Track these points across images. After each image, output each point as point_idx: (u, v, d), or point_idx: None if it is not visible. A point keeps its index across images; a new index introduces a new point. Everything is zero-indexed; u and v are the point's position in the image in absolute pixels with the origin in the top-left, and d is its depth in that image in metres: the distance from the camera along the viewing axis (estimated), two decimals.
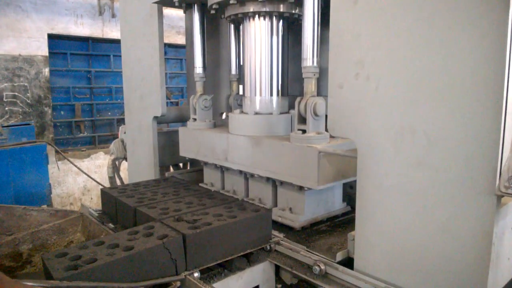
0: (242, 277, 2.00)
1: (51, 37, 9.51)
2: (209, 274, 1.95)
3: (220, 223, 1.96)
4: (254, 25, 2.59)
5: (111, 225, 2.45)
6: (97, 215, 2.63)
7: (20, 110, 9.16)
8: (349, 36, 1.77)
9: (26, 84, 9.16)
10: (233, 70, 3.23)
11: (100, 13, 10.09)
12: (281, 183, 2.40)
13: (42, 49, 9.28)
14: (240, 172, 2.69)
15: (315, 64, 2.19)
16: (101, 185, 3.94)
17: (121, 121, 10.39)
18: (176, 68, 12.38)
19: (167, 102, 3.33)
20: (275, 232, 2.25)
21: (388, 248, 1.71)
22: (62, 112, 10.28)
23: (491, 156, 1.38)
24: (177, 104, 11.80)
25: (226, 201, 2.35)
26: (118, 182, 4.05)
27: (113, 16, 10.25)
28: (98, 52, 10.69)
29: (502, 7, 1.31)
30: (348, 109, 1.81)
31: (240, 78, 3.22)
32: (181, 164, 3.85)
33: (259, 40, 2.59)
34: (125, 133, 3.85)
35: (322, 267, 1.85)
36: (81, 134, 10.58)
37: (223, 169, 2.88)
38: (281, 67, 2.66)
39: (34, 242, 2.48)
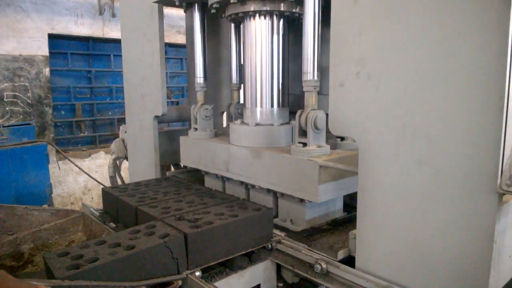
0: (243, 276, 2.00)
1: (52, 37, 9.51)
2: (210, 273, 1.95)
3: (222, 222, 1.96)
4: (254, 24, 2.59)
5: (112, 225, 2.45)
6: (98, 214, 2.64)
7: (21, 110, 9.16)
8: (350, 35, 1.77)
9: (26, 84, 9.17)
10: (234, 79, 3.22)
11: (101, 13, 10.09)
12: (282, 194, 2.41)
13: (42, 49, 9.28)
14: (241, 182, 2.69)
15: (315, 78, 2.21)
16: (102, 184, 3.94)
17: (122, 121, 10.40)
18: (177, 68, 12.38)
19: (167, 102, 3.33)
20: (276, 231, 2.25)
21: (389, 246, 1.72)
22: (62, 112, 10.28)
23: (493, 155, 1.38)
24: (177, 103, 11.80)
25: (227, 200, 2.35)
26: (119, 182, 4.05)
27: (113, 15, 10.24)
28: (99, 52, 10.69)
29: (503, 6, 1.31)
30: (349, 108, 1.81)
31: (241, 82, 3.21)
32: (182, 164, 3.85)
33: (260, 40, 2.59)
34: (125, 132, 3.86)
35: (324, 265, 1.85)
36: (82, 134, 10.59)
37: (224, 179, 2.88)
38: (282, 77, 2.67)
39: (35, 242, 2.48)
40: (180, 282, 1.75)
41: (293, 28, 3.00)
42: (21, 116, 9.15)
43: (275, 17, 2.57)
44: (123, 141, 3.94)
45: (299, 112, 2.24)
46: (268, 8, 2.51)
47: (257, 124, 2.63)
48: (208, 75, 3.26)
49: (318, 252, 1.98)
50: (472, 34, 1.39)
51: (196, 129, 3.06)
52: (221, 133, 3.21)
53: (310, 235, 2.23)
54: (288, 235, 2.21)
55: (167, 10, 9.76)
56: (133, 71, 3.52)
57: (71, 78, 10.34)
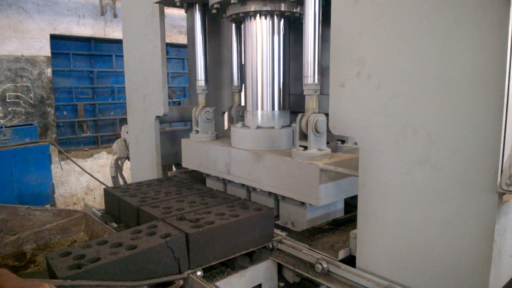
0: (244, 276, 2.00)
1: (54, 38, 9.53)
2: (211, 273, 1.96)
3: (223, 222, 1.97)
4: (255, 24, 2.59)
5: (114, 225, 2.46)
6: (100, 214, 2.65)
7: (23, 110, 9.19)
8: (350, 35, 1.77)
9: (29, 84, 9.19)
10: (235, 82, 3.23)
11: (102, 13, 10.11)
12: (283, 197, 2.42)
13: (44, 49, 9.30)
14: (242, 185, 2.70)
15: (316, 81, 2.21)
16: (104, 184, 3.95)
17: (124, 121, 10.42)
18: (178, 68, 12.39)
19: (169, 102, 3.34)
20: (277, 231, 2.25)
21: (390, 245, 1.72)
22: (64, 112, 10.31)
23: (493, 154, 1.38)
24: (179, 103, 11.81)
25: (229, 200, 2.36)
26: (121, 182, 4.07)
27: (115, 16, 10.26)
28: (100, 52, 10.71)
29: (503, 6, 1.31)
30: (349, 107, 1.81)
31: (242, 83, 3.21)
32: (183, 166, 3.86)
33: (261, 40, 2.59)
34: (127, 132, 3.87)
35: (325, 265, 1.86)
36: (84, 134, 10.61)
37: (225, 181, 2.89)
38: (283, 79, 2.67)
39: (37, 242, 2.50)
40: (181, 282, 1.76)
41: (293, 27, 3.00)
42: (24, 117, 9.17)
43: (275, 17, 2.57)
44: (125, 141, 3.95)
45: (299, 115, 2.24)
46: (269, 8, 2.51)
47: (258, 127, 2.64)
48: (209, 76, 3.27)
49: (319, 251, 1.99)
50: (472, 33, 1.40)
51: (197, 131, 3.07)
52: (222, 136, 3.22)
53: (311, 235, 2.23)
54: (289, 235, 2.22)
55: (168, 10, 9.78)
56: (135, 72, 3.53)
57: (73, 79, 10.36)
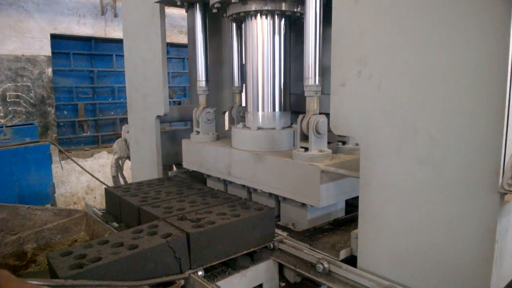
0: (245, 276, 2.00)
1: (54, 37, 9.53)
2: (213, 273, 1.96)
3: (224, 222, 1.97)
4: (256, 24, 2.59)
5: (115, 224, 2.46)
6: (101, 214, 2.65)
7: (24, 110, 9.19)
8: (351, 34, 1.77)
9: (29, 84, 9.19)
10: (236, 82, 3.23)
11: (103, 13, 10.10)
12: (284, 198, 2.42)
13: (45, 49, 9.30)
14: (243, 186, 2.70)
15: (317, 82, 2.21)
16: (105, 184, 3.96)
17: (124, 121, 10.42)
18: (178, 68, 12.39)
19: (169, 102, 3.33)
20: (278, 231, 2.25)
21: (391, 245, 1.72)
22: (65, 112, 10.31)
23: (494, 154, 1.38)
24: (179, 103, 11.81)
25: (230, 200, 2.35)
26: (122, 181, 4.06)
27: (116, 15, 10.26)
28: (101, 52, 10.71)
29: (505, 5, 1.31)
30: (350, 107, 1.81)
31: (243, 83, 3.21)
32: (184, 166, 3.86)
33: (261, 40, 2.59)
34: (128, 132, 3.87)
35: (326, 265, 1.86)
36: (84, 134, 10.61)
37: (226, 182, 2.89)
38: (283, 79, 2.67)
39: (38, 241, 2.50)
40: (182, 282, 1.76)
41: (294, 27, 3.00)
42: (24, 116, 9.17)
43: (276, 16, 2.57)
44: (125, 141, 3.95)
45: (300, 116, 2.24)
46: (270, 8, 2.51)
47: (259, 128, 2.64)
48: (210, 75, 3.27)
49: (320, 251, 1.99)
50: (474, 33, 1.39)
51: (198, 132, 3.06)
52: (223, 136, 3.21)
53: (312, 234, 2.23)
54: (290, 235, 2.22)
55: (169, 10, 9.77)
56: (135, 71, 3.53)
57: (73, 78, 10.36)
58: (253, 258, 2.08)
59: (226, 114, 3.71)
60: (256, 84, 2.66)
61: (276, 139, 2.58)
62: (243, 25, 2.81)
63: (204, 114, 3.03)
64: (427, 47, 1.52)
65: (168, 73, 11.16)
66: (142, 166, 3.57)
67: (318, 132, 2.20)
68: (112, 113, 11.12)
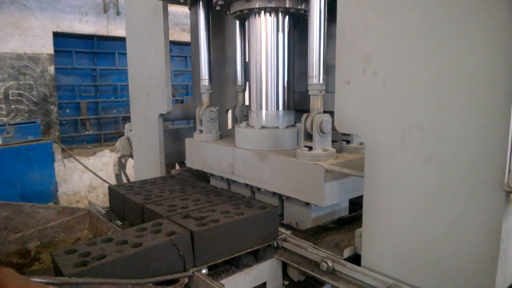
0: (249, 274, 2.00)
1: (56, 35, 9.55)
2: (216, 271, 1.96)
3: (228, 220, 1.96)
4: (260, 21, 2.58)
5: (118, 222, 2.46)
6: (104, 212, 2.65)
7: (26, 108, 9.22)
8: (356, 32, 1.76)
9: (31, 82, 9.21)
10: (239, 81, 3.22)
11: (105, 11, 10.11)
12: (288, 198, 2.41)
13: (47, 47, 9.32)
14: (246, 185, 2.70)
15: (321, 81, 2.20)
16: (107, 182, 3.95)
17: (127, 119, 10.44)
18: (181, 66, 12.40)
19: (172, 100, 3.33)
20: (282, 229, 2.25)
21: (395, 244, 1.71)
22: (67, 110, 10.34)
23: (500, 152, 1.37)
24: (182, 101, 11.83)
25: (233, 198, 2.35)
26: (124, 180, 4.07)
27: (118, 13, 10.27)
28: (103, 50, 10.73)
29: (509, 3, 1.30)
30: (355, 105, 1.80)
31: (246, 81, 3.21)
32: (187, 165, 3.86)
33: (265, 37, 2.58)
34: (131, 130, 3.87)
35: (330, 263, 1.85)
36: (87, 132, 10.64)
37: (229, 181, 2.89)
38: (287, 78, 2.66)
39: (42, 240, 2.50)
40: (186, 280, 1.76)
41: (298, 25, 2.99)
42: (27, 114, 9.20)
43: (280, 14, 2.56)
44: (128, 139, 3.95)
45: (304, 115, 2.23)
46: (273, 5, 2.50)
47: (262, 127, 2.63)
48: (213, 74, 3.26)
49: (324, 250, 1.98)
50: (480, 30, 1.39)
51: (201, 131, 3.06)
52: (226, 135, 3.21)
53: (316, 233, 2.23)
54: (294, 234, 2.21)
55: (172, 8, 9.77)
56: (138, 69, 3.53)
57: (76, 76, 10.38)
58: (256, 256, 2.08)
59: (229, 113, 3.71)
60: (260, 82, 2.65)
61: (279, 138, 2.57)
62: (246, 22, 2.80)
63: (207, 113, 3.02)
64: (432, 45, 1.51)
65: (171, 71, 11.16)
66: (145, 165, 3.57)
67: (322, 131, 2.19)
68: (114, 111, 11.14)
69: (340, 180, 2.17)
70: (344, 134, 2.54)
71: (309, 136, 2.24)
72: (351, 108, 1.82)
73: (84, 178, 9.48)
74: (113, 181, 4.16)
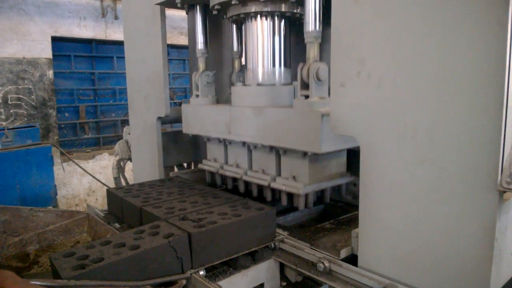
0: (247, 275, 2.01)
1: (55, 40, 9.56)
2: (214, 272, 1.97)
3: (225, 222, 1.98)
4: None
5: (117, 225, 2.47)
6: (103, 215, 2.66)
7: (25, 112, 9.22)
8: (351, 35, 1.78)
9: (30, 86, 9.23)
10: (235, 47, 3.20)
11: (103, 15, 10.14)
12: (285, 151, 2.39)
13: (46, 51, 9.34)
14: (243, 144, 2.68)
15: (317, 28, 2.16)
16: (106, 186, 3.97)
17: (125, 122, 10.45)
18: (179, 69, 12.42)
19: (170, 103, 3.34)
20: (279, 230, 2.26)
21: (391, 244, 1.73)
22: (66, 114, 10.34)
23: (493, 152, 1.39)
24: (180, 104, 11.82)
25: (231, 200, 2.36)
26: (123, 183, 4.08)
27: (116, 18, 10.30)
28: (102, 54, 10.75)
29: (503, 6, 1.32)
30: (350, 107, 1.82)
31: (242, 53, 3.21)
32: (185, 164, 3.87)
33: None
34: (129, 134, 3.88)
35: (326, 264, 1.87)
36: (86, 136, 10.64)
37: (226, 143, 2.87)
38: (284, 40, 2.63)
39: (41, 243, 2.51)
40: (184, 281, 1.77)
41: (294, 29, 3.01)
42: (25, 119, 9.21)
43: (276, 18, 2.58)
44: (126, 142, 3.96)
45: (300, 64, 2.20)
46: (269, 9, 2.52)
47: (258, 84, 2.61)
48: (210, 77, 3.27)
49: (320, 251, 1.99)
50: (472, 32, 1.40)
51: (197, 95, 3.04)
52: (223, 102, 3.19)
53: (312, 234, 2.25)
54: (291, 234, 2.23)
55: (169, 12, 9.80)
56: (136, 73, 3.54)
57: (74, 80, 10.40)
58: (254, 257, 2.09)
59: None
60: (256, 43, 2.63)
61: (276, 94, 2.54)
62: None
63: (204, 77, 3.00)
64: (426, 47, 1.53)
65: (169, 74, 11.18)
66: (144, 167, 3.58)
67: (319, 79, 2.15)
68: (113, 114, 11.15)
69: None
70: None
71: (305, 86, 2.20)
72: (346, 111, 1.84)
73: (83, 181, 9.48)
74: (112, 184, 4.17)
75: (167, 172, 3.54)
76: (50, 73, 9.45)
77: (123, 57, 3.78)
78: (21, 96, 9.13)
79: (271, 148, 2.49)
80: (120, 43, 10.10)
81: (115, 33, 10.36)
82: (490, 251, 1.43)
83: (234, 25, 3.15)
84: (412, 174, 1.62)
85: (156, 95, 3.26)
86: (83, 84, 10.58)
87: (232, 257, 1.98)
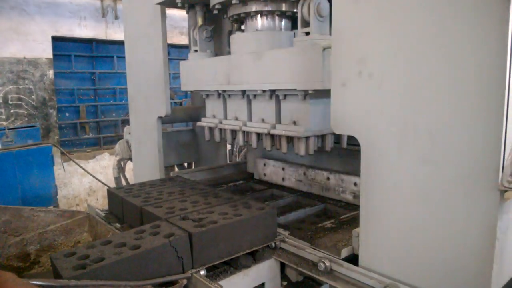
0: (248, 275, 2.01)
1: (55, 40, 9.57)
2: (215, 272, 1.97)
3: (226, 222, 1.98)
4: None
5: (117, 225, 2.47)
6: (103, 215, 2.66)
7: (26, 112, 9.23)
8: (351, 34, 1.78)
9: (31, 86, 9.23)
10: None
11: (103, 15, 10.14)
12: (285, 96, 2.36)
13: (46, 51, 9.34)
14: (243, 95, 2.64)
15: None
16: (107, 186, 3.97)
17: (126, 122, 10.45)
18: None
19: (171, 103, 3.34)
20: (280, 230, 2.26)
21: (392, 244, 1.73)
22: (67, 114, 10.35)
23: (494, 152, 1.39)
24: (181, 104, 11.83)
25: (231, 200, 2.36)
26: (124, 183, 4.08)
27: (116, 17, 10.30)
28: (102, 54, 10.75)
29: (503, 5, 1.31)
30: (351, 107, 1.82)
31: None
32: (185, 164, 3.87)
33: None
34: (130, 133, 3.88)
35: (327, 264, 1.86)
36: (86, 136, 10.65)
37: (225, 98, 2.83)
38: None
39: (41, 243, 2.51)
40: (185, 281, 1.77)
41: (295, 28, 3.00)
42: (26, 119, 9.21)
43: (276, 17, 2.58)
44: (127, 142, 3.97)
45: (301, 1, 2.16)
46: (270, 9, 2.52)
47: (257, 30, 2.57)
48: None
49: (321, 250, 1.99)
50: (473, 32, 1.40)
51: (196, 50, 3.00)
52: None
53: (313, 233, 2.24)
54: (292, 234, 2.22)
55: (169, 11, 9.79)
56: (137, 73, 3.54)
57: (75, 80, 10.40)
58: (255, 257, 2.09)
59: None
60: None
61: (275, 39, 2.50)
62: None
63: (202, 31, 2.96)
64: (427, 46, 1.53)
65: (169, 74, 11.18)
66: (144, 167, 3.58)
67: (320, 15, 2.11)
68: (113, 114, 11.15)
69: None
70: None
71: (306, 23, 2.16)
72: (347, 110, 1.83)
73: (84, 181, 9.48)
74: (112, 184, 4.17)
75: (168, 172, 3.54)
76: (51, 73, 9.45)
77: (124, 57, 3.78)
78: (21, 96, 9.13)
79: (271, 95, 2.44)
80: (120, 43, 10.10)
81: (115, 33, 10.36)
82: (492, 251, 1.43)
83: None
84: (413, 174, 1.62)
85: (157, 95, 3.26)
86: (84, 84, 10.58)
87: (232, 256, 1.97)
